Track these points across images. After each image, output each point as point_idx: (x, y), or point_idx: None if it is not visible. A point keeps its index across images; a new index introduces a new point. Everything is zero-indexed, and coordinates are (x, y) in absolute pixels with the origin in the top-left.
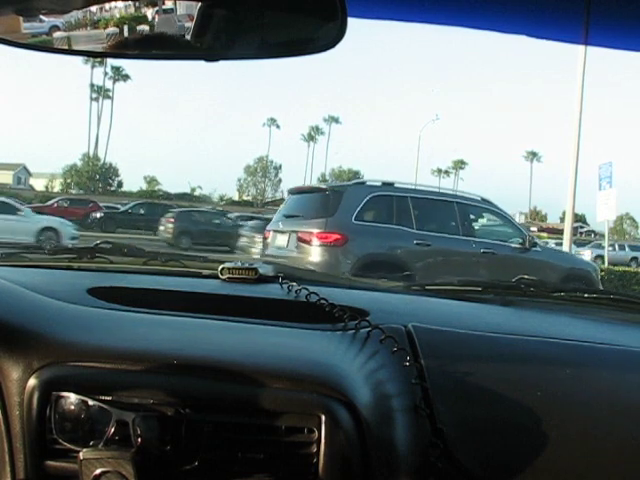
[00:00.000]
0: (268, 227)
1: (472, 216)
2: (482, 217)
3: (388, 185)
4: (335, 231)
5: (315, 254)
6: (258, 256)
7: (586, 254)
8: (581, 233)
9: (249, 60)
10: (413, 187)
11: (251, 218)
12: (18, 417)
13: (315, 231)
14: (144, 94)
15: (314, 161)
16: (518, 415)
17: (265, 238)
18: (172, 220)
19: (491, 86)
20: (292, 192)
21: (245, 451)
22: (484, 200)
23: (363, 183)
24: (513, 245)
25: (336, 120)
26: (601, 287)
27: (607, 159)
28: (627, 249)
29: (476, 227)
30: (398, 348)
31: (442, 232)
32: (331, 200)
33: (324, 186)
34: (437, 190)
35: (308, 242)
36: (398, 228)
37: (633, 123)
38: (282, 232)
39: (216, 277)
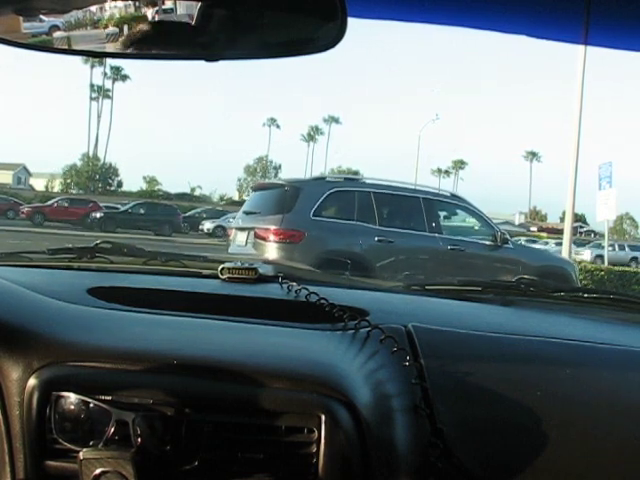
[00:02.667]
0: (231, 225)
1: (440, 212)
2: (452, 213)
3: (351, 180)
4: (291, 227)
5: (272, 251)
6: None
7: (586, 254)
8: (581, 233)
9: (249, 60)
10: (378, 182)
11: None
12: (18, 417)
13: (271, 227)
14: (144, 94)
15: (314, 161)
16: (518, 415)
17: (228, 236)
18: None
19: (491, 86)
20: (254, 188)
21: (245, 451)
22: (454, 196)
23: (323, 178)
24: (483, 242)
25: (336, 120)
26: (579, 285)
27: (607, 159)
28: (627, 249)
29: (444, 224)
30: (398, 348)
31: (407, 228)
32: (289, 196)
33: (283, 182)
34: (404, 186)
35: (265, 239)
36: (359, 224)
37: (633, 123)
38: (242, 229)
39: (216, 277)
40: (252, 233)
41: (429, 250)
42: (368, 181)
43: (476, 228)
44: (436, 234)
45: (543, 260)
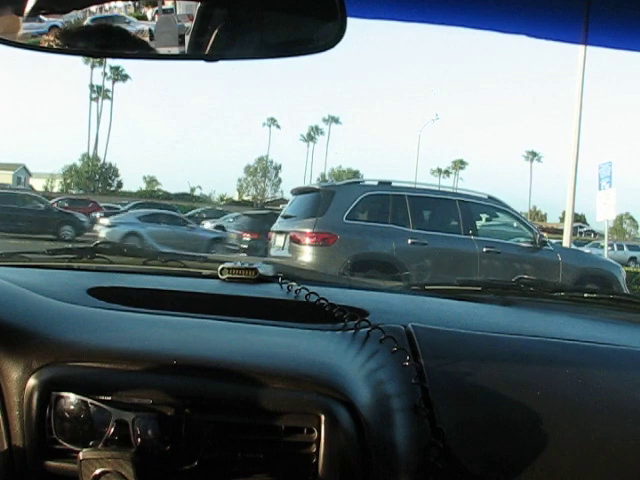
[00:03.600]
0: (272, 228)
1: (476, 214)
2: (488, 216)
3: (385, 184)
4: (325, 230)
5: (306, 254)
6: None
7: None
8: (581, 233)
9: (249, 60)
10: (412, 186)
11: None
12: (18, 417)
13: (305, 231)
14: (144, 94)
15: (314, 161)
16: (518, 415)
17: (269, 239)
18: None
19: (491, 86)
20: (293, 192)
21: (245, 451)
22: (491, 198)
23: (357, 182)
24: (521, 244)
25: (336, 120)
26: (626, 289)
27: (607, 159)
28: (625, 249)
29: (481, 226)
30: (398, 348)
31: (441, 231)
32: (323, 200)
33: (318, 186)
34: (439, 189)
35: (299, 242)
36: (392, 227)
37: (633, 123)
38: (280, 233)
39: (216, 277)
40: (289, 236)
41: (463, 252)
42: (402, 184)
43: (513, 230)
44: (471, 236)
45: (586, 262)
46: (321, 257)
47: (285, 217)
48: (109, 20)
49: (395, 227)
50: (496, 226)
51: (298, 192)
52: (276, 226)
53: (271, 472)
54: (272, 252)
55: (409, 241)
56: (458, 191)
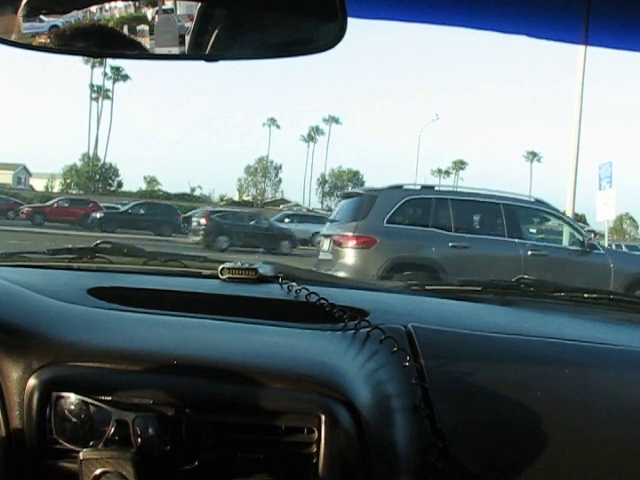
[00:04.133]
0: (320, 232)
1: (522, 218)
2: (534, 219)
3: (427, 188)
4: (364, 234)
5: (346, 256)
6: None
7: None
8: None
9: (249, 60)
10: (456, 189)
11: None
12: (18, 417)
13: (346, 234)
14: (144, 94)
15: (314, 161)
16: (518, 415)
17: (318, 243)
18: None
19: (491, 86)
20: (341, 197)
21: (245, 451)
22: (538, 201)
23: (399, 187)
24: (569, 247)
25: (336, 120)
26: None
27: (607, 159)
28: (624, 249)
29: (527, 229)
30: (398, 348)
31: (484, 234)
32: (365, 204)
33: (362, 191)
34: (485, 192)
35: (340, 245)
36: (432, 230)
37: (633, 123)
38: (327, 237)
39: (216, 277)
40: (332, 239)
41: (506, 255)
42: (443, 188)
43: (561, 233)
44: (516, 239)
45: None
46: (360, 260)
47: (332, 221)
48: (110, 20)
49: (436, 230)
50: (544, 229)
51: (344, 196)
52: (323, 230)
53: (271, 472)
54: (320, 255)
55: (450, 244)
56: (504, 194)
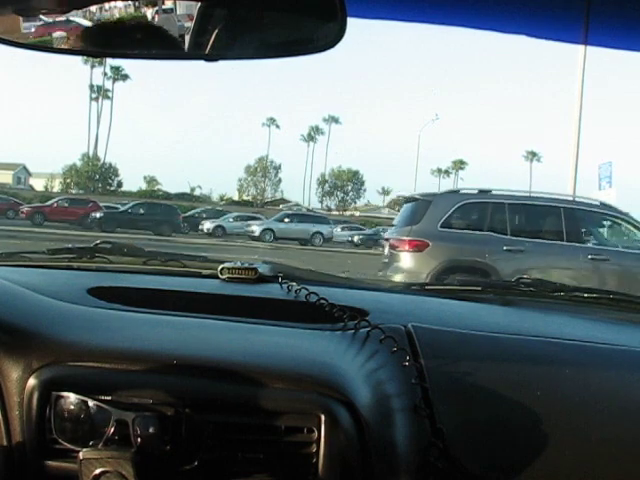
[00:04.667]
0: (384, 235)
1: (584, 221)
2: (598, 222)
3: (484, 192)
4: (417, 238)
5: (400, 259)
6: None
7: None
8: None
9: (249, 60)
10: (514, 193)
11: (250, 218)
12: (18, 417)
13: (400, 238)
14: (144, 94)
15: (314, 161)
16: (518, 415)
17: (383, 246)
18: None
19: (491, 86)
20: (404, 201)
21: (245, 451)
22: (604, 205)
23: (456, 191)
24: (635, 251)
25: (336, 120)
26: None
27: (607, 159)
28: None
29: (589, 233)
30: (398, 348)
31: (541, 238)
32: (421, 208)
33: (419, 195)
34: (546, 196)
35: (395, 248)
36: (487, 234)
37: (633, 123)
38: (387, 240)
39: (216, 277)
40: (388, 243)
41: (564, 259)
42: (500, 192)
43: (634, 237)
44: (576, 243)
45: None
46: (413, 263)
47: (393, 225)
48: (110, 20)
49: (490, 234)
50: (608, 233)
51: (405, 201)
52: (386, 234)
53: (271, 472)
54: (382, 259)
55: (504, 248)
56: (566, 198)
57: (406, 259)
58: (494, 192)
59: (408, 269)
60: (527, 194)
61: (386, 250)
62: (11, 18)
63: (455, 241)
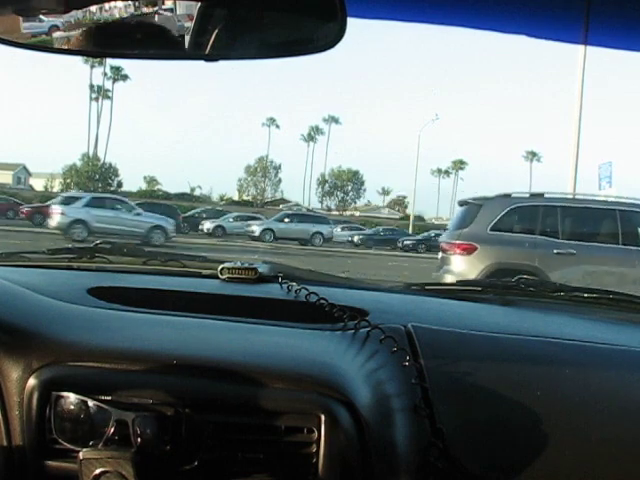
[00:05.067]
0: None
1: None
2: None
3: (536, 196)
4: (465, 241)
5: (449, 262)
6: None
7: None
8: None
9: (249, 60)
10: (567, 196)
11: (250, 218)
12: (18, 417)
13: (450, 241)
14: (144, 94)
15: (314, 161)
16: (518, 415)
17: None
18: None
19: (491, 86)
20: (458, 204)
21: (245, 451)
22: None
23: (507, 195)
24: None
25: (336, 120)
26: None
27: (607, 159)
28: None
29: None
30: (397, 348)
31: (594, 241)
32: (471, 212)
33: (471, 199)
34: (601, 199)
35: (445, 251)
36: (538, 238)
37: (633, 123)
38: (441, 243)
39: (216, 277)
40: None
41: (617, 262)
42: (553, 196)
43: None
44: (632, 246)
45: None
46: (461, 266)
47: (447, 229)
48: (110, 20)
49: (541, 238)
50: None
51: (459, 204)
52: (441, 237)
53: (271, 472)
54: (439, 262)
55: (554, 251)
56: (625, 200)
57: (455, 262)
58: (547, 195)
59: (457, 272)
60: (582, 197)
61: (440, 253)
62: (11, 18)
63: (504, 244)
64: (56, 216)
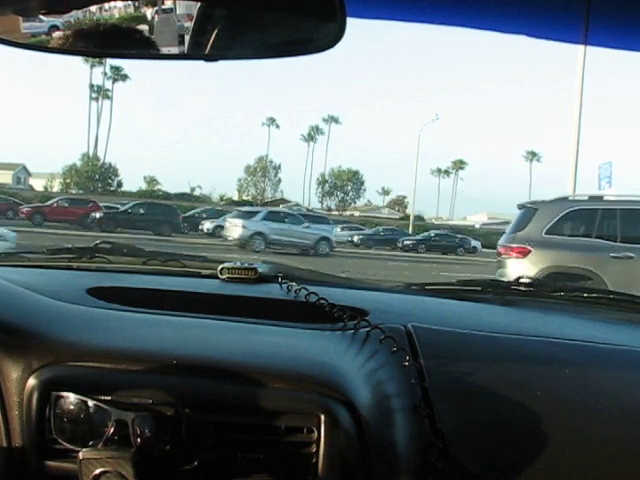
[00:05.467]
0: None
1: None
2: None
3: (595, 198)
4: (520, 244)
5: (505, 265)
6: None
7: None
8: None
9: (249, 60)
10: (628, 198)
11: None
12: (18, 417)
13: (505, 244)
14: (144, 94)
15: (314, 161)
16: (518, 415)
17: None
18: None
19: (491, 86)
20: (517, 207)
21: (245, 451)
22: None
23: (564, 198)
24: None
25: (336, 120)
26: None
27: (607, 159)
28: None
29: None
30: (397, 348)
31: None
32: (527, 215)
33: (528, 203)
34: None
35: (500, 254)
36: (594, 241)
37: (633, 123)
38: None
39: (216, 277)
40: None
41: None
42: (612, 198)
43: None
44: None
45: None
46: (515, 269)
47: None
48: (110, 20)
49: (598, 241)
50: None
51: (519, 207)
52: (500, 241)
53: (271, 472)
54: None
55: (611, 255)
56: None
57: (510, 265)
58: (606, 198)
59: (510, 274)
60: None
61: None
62: (11, 18)
63: (560, 248)
64: (238, 229)
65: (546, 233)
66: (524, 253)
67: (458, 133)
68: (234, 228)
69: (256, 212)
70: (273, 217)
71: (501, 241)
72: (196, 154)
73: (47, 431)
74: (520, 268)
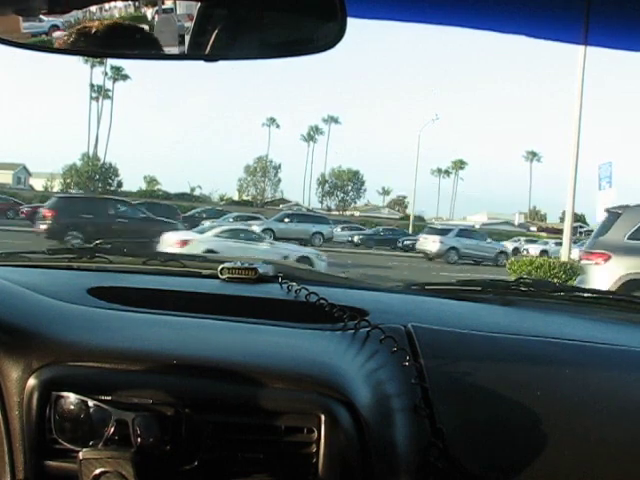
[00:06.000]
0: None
1: None
2: None
3: None
4: (599, 250)
5: (585, 271)
6: None
7: (574, 252)
8: (581, 233)
9: (249, 60)
10: None
11: (250, 218)
12: (18, 417)
13: (586, 250)
14: (144, 94)
15: (314, 161)
16: (518, 415)
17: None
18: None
19: (491, 86)
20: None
21: (245, 451)
22: None
23: None
24: None
25: (336, 120)
26: None
27: (607, 159)
28: None
29: None
30: (397, 348)
31: None
32: (609, 220)
33: (612, 208)
34: None
35: (580, 259)
36: None
37: (633, 123)
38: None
39: (216, 277)
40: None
41: None
42: None
43: None
44: None
45: None
46: (595, 274)
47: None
48: (110, 20)
49: None
50: None
51: (604, 212)
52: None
53: (271, 472)
54: None
55: None
56: None
57: (589, 271)
58: None
59: (591, 281)
60: None
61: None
62: (11, 18)
63: None
64: (436, 244)
65: (629, 238)
66: (604, 259)
67: (458, 133)
68: (432, 244)
69: (450, 229)
70: (463, 234)
71: (584, 247)
72: (196, 154)
73: (47, 431)
74: (600, 274)
